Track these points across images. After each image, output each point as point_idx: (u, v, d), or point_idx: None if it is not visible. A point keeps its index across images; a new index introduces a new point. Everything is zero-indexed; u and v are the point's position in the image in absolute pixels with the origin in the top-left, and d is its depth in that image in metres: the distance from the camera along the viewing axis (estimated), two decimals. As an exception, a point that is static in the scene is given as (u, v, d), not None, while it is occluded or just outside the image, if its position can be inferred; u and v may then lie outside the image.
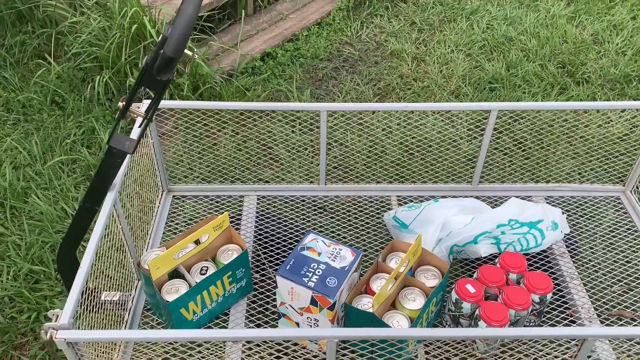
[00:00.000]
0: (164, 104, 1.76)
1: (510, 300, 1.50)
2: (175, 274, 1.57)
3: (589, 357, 1.50)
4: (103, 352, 1.36)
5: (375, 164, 2.44)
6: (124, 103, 1.28)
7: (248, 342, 1.53)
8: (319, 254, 1.47)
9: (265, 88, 3.32)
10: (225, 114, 2.58)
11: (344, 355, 1.48)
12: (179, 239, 1.58)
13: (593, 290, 1.75)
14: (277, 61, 3.54)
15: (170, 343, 1.55)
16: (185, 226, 1.93)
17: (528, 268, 1.75)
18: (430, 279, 1.56)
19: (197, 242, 1.62)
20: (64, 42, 3.30)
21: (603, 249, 1.87)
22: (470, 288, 1.53)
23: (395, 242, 1.61)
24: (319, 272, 1.42)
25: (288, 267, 1.43)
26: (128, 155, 1.39)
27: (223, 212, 1.98)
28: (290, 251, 1.81)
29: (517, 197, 2.00)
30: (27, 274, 2.21)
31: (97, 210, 1.45)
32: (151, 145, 1.82)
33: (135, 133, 1.56)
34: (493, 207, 1.88)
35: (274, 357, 1.48)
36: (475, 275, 1.60)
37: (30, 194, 2.54)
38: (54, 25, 3.45)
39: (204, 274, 1.56)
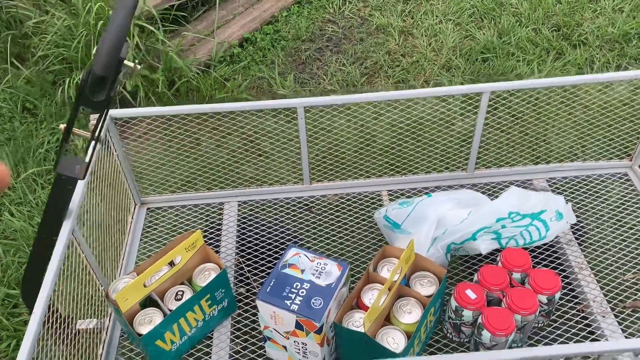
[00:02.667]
0: (118, 112, 1.61)
1: (516, 305, 1.37)
2: (149, 301, 1.44)
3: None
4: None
5: (363, 155, 2.28)
6: (65, 125, 1.13)
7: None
8: (302, 271, 1.33)
9: (246, 76, 3.16)
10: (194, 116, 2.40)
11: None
12: (151, 262, 1.45)
13: (605, 281, 1.61)
14: (256, 46, 3.37)
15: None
16: (162, 240, 1.79)
17: (533, 260, 1.62)
18: (426, 286, 1.43)
19: (171, 263, 1.49)
20: (30, 45, 3.13)
21: (612, 232, 1.74)
22: (470, 294, 1.40)
23: (386, 248, 1.48)
24: (302, 292, 1.29)
25: (268, 289, 1.30)
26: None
27: (203, 221, 1.85)
28: (275, 260, 1.68)
29: (516, 181, 1.87)
30: (3, 299, 2.09)
31: (56, 241, 1.32)
32: (116, 157, 1.68)
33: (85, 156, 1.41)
34: (491, 197, 1.75)
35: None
36: (475, 278, 1.47)
37: (4, 211, 2.41)
38: (19, 27, 3.27)
39: (180, 300, 1.43)
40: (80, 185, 1.39)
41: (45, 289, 1.20)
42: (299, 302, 1.27)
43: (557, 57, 3.15)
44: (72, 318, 1.49)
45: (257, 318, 1.53)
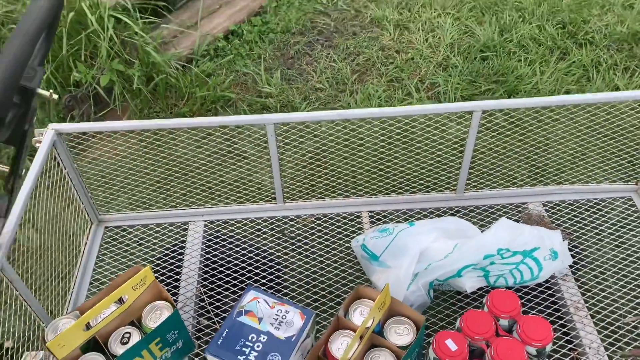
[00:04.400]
0: (65, 128, 1.44)
1: (500, 359, 1.21)
2: (92, 344, 1.29)
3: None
4: None
5: (343, 171, 2.10)
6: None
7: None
8: (260, 319, 1.18)
9: (230, 72, 2.98)
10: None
11: None
12: (96, 300, 1.30)
13: (603, 324, 1.46)
14: (243, 39, 3.18)
15: None
16: (119, 265, 1.64)
17: (522, 298, 1.47)
18: (402, 334, 1.27)
19: (120, 300, 1.34)
20: (1, 35, 2.95)
21: (614, 266, 1.58)
22: (450, 345, 1.24)
23: (360, 288, 1.32)
24: (258, 346, 1.13)
25: (220, 341, 1.15)
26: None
27: (165, 243, 1.70)
28: (242, 287, 1.53)
29: (509, 204, 1.71)
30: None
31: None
32: (66, 175, 1.52)
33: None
34: (481, 223, 1.59)
35: None
36: (457, 324, 1.31)
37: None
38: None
39: (126, 344, 1.28)
40: (14, 215, 1.23)
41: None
42: (253, 358, 1.12)
43: (561, 57, 2.96)
44: (19, 350, 1.36)
45: None
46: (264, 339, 1.15)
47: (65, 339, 1.19)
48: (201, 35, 3.01)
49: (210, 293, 1.54)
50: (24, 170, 1.02)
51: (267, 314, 1.19)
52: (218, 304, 1.51)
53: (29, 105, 0.88)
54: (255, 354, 1.12)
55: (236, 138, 2.22)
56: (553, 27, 3.12)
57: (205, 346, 1.43)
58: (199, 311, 1.51)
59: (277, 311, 1.19)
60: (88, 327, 1.27)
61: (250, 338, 1.15)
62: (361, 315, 1.30)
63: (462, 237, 1.47)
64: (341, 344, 1.24)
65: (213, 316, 1.49)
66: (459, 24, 3.23)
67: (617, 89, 2.76)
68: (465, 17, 3.25)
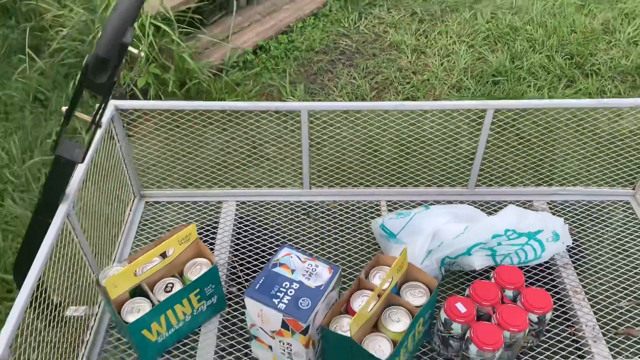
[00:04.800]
0: (124, 104, 1.62)
1: (505, 321, 1.35)
2: (138, 291, 1.44)
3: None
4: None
5: (365, 164, 2.28)
6: (67, 108, 1.14)
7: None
8: (293, 271, 1.33)
9: (257, 83, 3.18)
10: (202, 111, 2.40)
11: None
12: (143, 252, 1.45)
13: (599, 306, 1.59)
14: (270, 54, 3.39)
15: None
16: (159, 235, 1.79)
17: (527, 281, 1.61)
18: (417, 296, 1.41)
19: (163, 255, 1.49)
20: (47, 37, 3.17)
21: (610, 258, 1.72)
22: (460, 307, 1.38)
23: (379, 256, 1.47)
24: (291, 292, 1.28)
25: (257, 286, 1.30)
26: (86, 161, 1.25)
27: (200, 219, 1.85)
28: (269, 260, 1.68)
29: (516, 201, 1.86)
30: (-2, 283, 2.09)
31: (50, 223, 1.33)
32: (118, 148, 1.69)
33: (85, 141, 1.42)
34: (489, 214, 1.74)
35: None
36: (467, 292, 1.45)
37: (7, 197, 2.43)
38: (38, 19, 3.32)
39: (169, 292, 1.42)
40: (80, 171, 1.40)
41: (35, 268, 1.21)
42: (286, 302, 1.26)
43: (568, 84, 3.15)
44: (63, 304, 1.49)
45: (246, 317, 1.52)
46: (296, 286, 1.29)
47: (118, 280, 1.34)
48: (232, 48, 3.23)
49: (241, 262, 1.69)
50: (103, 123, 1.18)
51: (299, 267, 1.34)
52: (248, 271, 1.66)
53: (122, 58, 1.06)
54: (288, 298, 1.27)
55: (261, 135, 2.40)
56: (561, 58, 3.32)
57: (235, 306, 1.57)
58: (230, 276, 1.65)
59: (308, 265, 1.34)
60: (135, 276, 1.42)
61: (284, 285, 1.29)
62: (380, 280, 1.44)
63: (472, 221, 1.62)
64: (362, 302, 1.38)
65: (243, 281, 1.63)
66: (473, 51, 3.44)
67: (619, 115, 2.94)
68: (479, 45, 3.46)
